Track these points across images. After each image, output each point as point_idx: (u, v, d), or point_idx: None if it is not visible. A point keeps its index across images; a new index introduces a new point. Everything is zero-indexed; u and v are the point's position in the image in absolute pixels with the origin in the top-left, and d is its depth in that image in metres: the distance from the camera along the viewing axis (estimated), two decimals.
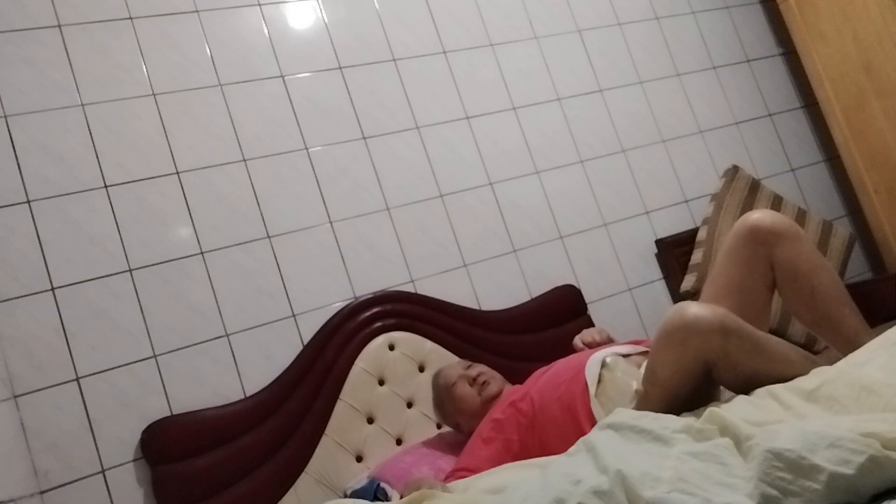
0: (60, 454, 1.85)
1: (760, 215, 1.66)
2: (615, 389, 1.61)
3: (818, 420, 1.06)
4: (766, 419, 1.13)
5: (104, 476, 1.88)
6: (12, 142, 1.99)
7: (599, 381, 1.64)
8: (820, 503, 0.89)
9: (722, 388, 1.45)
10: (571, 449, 1.27)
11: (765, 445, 0.96)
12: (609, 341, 1.97)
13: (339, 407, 2.09)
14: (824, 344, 1.85)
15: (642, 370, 1.58)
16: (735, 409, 1.21)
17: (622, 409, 1.34)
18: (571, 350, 1.98)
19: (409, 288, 2.31)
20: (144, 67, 2.18)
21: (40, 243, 1.96)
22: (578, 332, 2.36)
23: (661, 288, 2.64)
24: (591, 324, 2.41)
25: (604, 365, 1.68)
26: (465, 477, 1.63)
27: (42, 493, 1.81)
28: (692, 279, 2.50)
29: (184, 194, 2.14)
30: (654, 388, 1.42)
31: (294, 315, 2.17)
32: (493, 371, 2.01)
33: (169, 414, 1.97)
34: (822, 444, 0.92)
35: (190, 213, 2.13)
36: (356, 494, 1.88)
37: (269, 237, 2.20)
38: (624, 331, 2.43)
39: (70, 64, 2.10)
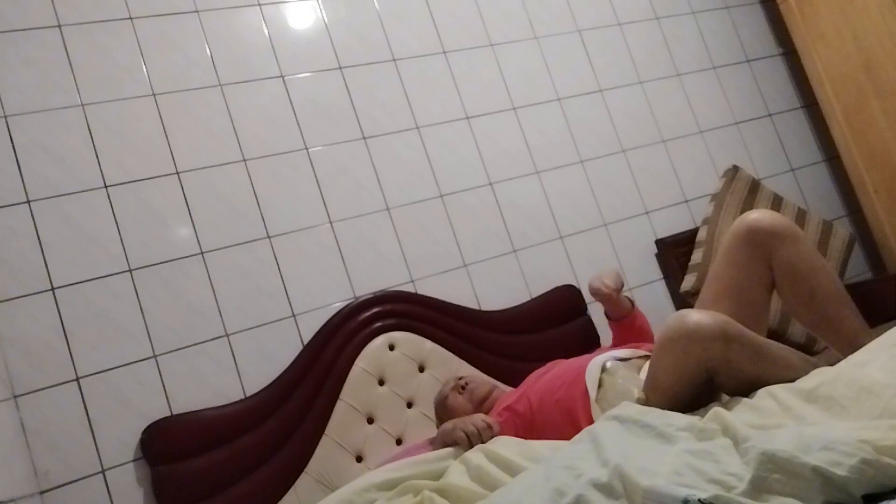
0: (60, 454, 1.86)
1: (759, 215, 1.66)
2: (616, 395, 1.61)
3: (816, 427, 1.06)
4: (766, 422, 1.14)
5: (104, 476, 1.88)
6: (12, 142, 2.00)
7: (600, 385, 1.64)
8: (812, 503, 0.91)
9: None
10: (576, 437, 1.28)
11: (760, 447, 0.98)
12: (619, 287, 1.93)
13: (339, 407, 2.09)
14: (824, 345, 1.85)
15: (642, 375, 1.58)
16: (737, 412, 1.22)
17: (629, 402, 1.34)
18: (571, 350, 1.99)
19: (409, 288, 2.31)
20: (144, 67, 2.18)
21: (40, 243, 1.97)
22: (578, 332, 2.38)
23: (661, 288, 2.64)
24: (591, 324, 2.41)
25: (604, 369, 1.67)
26: None
27: (42, 493, 1.81)
28: (692, 279, 2.50)
29: (184, 194, 2.14)
30: (655, 394, 1.42)
31: (294, 315, 2.17)
32: (485, 377, 2.05)
33: (169, 414, 1.97)
34: (816, 447, 0.94)
35: (190, 213, 2.13)
36: None
37: (269, 237, 2.20)
38: None
39: (70, 64, 2.10)
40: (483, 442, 1.59)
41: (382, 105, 2.44)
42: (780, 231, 1.61)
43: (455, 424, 1.66)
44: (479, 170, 2.51)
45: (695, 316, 1.36)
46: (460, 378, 2.02)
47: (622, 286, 1.95)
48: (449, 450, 1.61)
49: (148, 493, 1.90)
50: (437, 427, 2.06)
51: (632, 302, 2.03)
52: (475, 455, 1.45)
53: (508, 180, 2.54)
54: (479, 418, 1.66)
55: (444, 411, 1.99)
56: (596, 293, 1.91)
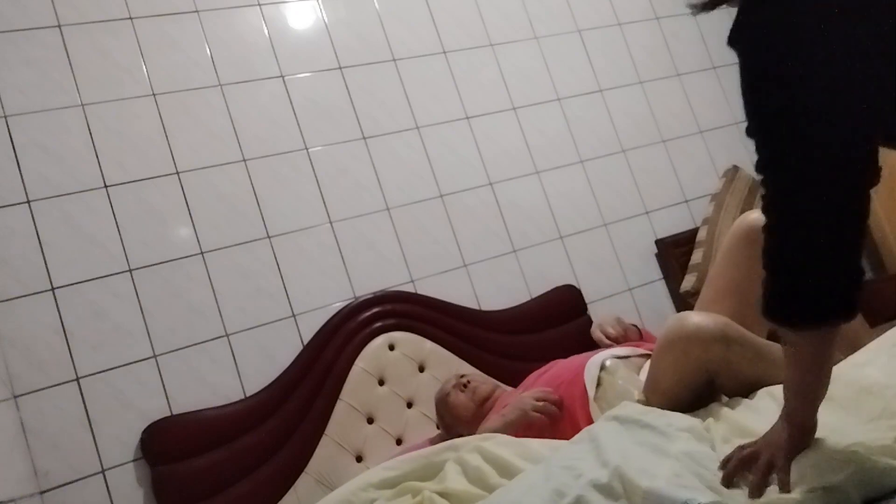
0: (60, 454, 1.86)
1: (759, 215, 1.65)
2: (615, 395, 1.60)
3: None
4: (766, 423, 1.13)
5: (104, 476, 1.88)
6: (12, 142, 1.99)
7: (599, 384, 1.64)
8: None
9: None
10: (575, 437, 1.28)
11: None
12: (624, 331, 1.97)
13: (339, 407, 2.09)
14: None
15: (642, 376, 1.58)
16: (737, 413, 1.22)
17: (629, 402, 1.34)
18: (571, 350, 1.99)
19: (409, 288, 2.31)
20: (144, 67, 2.18)
21: (40, 243, 1.96)
22: (578, 332, 2.37)
23: (661, 288, 2.64)
24: (591, 324, 2.40)
25: (603, 368, 1.67)
26: None
27: (42, 493, 1.81)
28: (692, 279, 2.50)
29: (184, 194, 2.14)
30: (655, 396, 1.42)
31: (294, 315, 2.17)
32: (486, 377, 2.05)
33: (169, 414, 1.97)
34: (814, 450, 0.93)
35: (190, 213, 2.13)
36: None
37: (269, 237, 2.20)
38: None
39: (70, 64, 2.10)
40: (554, 408, 1.62)
41: (382, 105, 2.44)
42: None
43: (519, 406, 1.66)
44: (479, 170, 2.51)
45: (695, 318, 1.36)
46: (462, 376, 2.02)
47: (624, 329, 1.97)
48: (445, 444, 1.60)
49: (148, 493, 1.90)
50: (438, 426, 2.06)
51: (638, 329, 2.04)
52: (472, 455, 1.45)
53: (508, 180, 2.54)
54: (535, 391, 1.67)
55: (445, 409, 1.99)
56: (599, 344, 1.96)
